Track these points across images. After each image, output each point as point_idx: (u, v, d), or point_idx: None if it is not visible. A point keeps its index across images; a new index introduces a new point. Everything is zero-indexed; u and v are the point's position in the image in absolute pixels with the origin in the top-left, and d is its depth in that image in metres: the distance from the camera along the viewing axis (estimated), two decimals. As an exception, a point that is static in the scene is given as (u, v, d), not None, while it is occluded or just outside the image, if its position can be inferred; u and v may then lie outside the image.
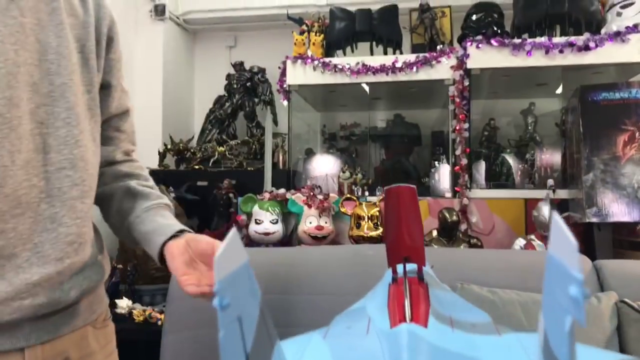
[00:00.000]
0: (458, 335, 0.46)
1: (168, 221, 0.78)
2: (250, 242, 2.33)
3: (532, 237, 2.09)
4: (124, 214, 0.81)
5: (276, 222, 2.30)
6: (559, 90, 2.42)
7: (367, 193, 2.46)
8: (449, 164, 2.42)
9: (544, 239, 2.05)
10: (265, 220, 2.27)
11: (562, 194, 2.20)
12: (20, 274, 0.59)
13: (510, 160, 2.47)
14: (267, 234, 2.26)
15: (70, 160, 0.65)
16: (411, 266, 0.55)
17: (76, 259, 0.65)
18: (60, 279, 0.63)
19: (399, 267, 0.56)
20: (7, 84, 0.58)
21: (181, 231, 0.76)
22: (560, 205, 2.12)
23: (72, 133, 0.65)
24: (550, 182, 2.31)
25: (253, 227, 2.28)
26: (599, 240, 2.15)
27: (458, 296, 0.57)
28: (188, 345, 1.48)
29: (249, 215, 2.33)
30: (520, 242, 2.11)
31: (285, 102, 2.55)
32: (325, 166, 2.74)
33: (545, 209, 2.04)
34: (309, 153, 2.83)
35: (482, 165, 2.55)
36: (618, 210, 1.80)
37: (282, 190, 2.39)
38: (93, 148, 0.71)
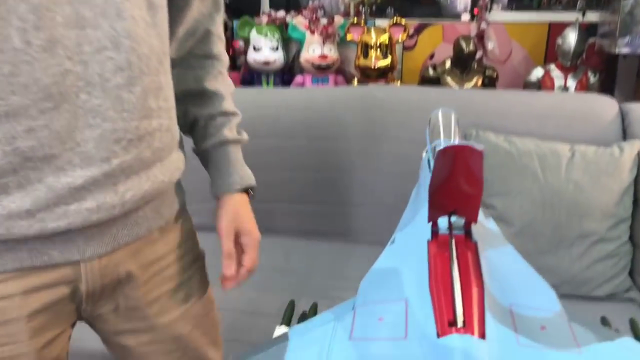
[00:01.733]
0: (526, 352, 0.39)
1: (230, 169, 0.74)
2: (249, 70, 2.19)
3: (552, 66, 1.95)
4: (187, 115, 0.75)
5: (276, 49, 2.13)
6: None
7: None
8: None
9: (565, 70, 1.90)
10: (264, 47, 2.10)
11: (592, 17, 1.99)
12: (62, 177, 0.50)
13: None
14: (267, 62, 2.11)
15: (112, 38, 0.51)
16: (456, 220, 0.45)
17: (127, 158, 0.54)
18: (111, 181, 0.54)
19: (441, 221, 0.46)
20: None
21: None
22: (588, 30, 1.92)
23: (112, 1, 0.51)
24: (581, 2, 2.07)
25: (252, 55, 2.12)
26: (622, 69, 2.01)
27: (512, 250, 0.48)
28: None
29: (247, 41, 2.15)
30: (538, 72, 1.97)
31: None
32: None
33: (571, 36, 1.86)
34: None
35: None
36: (654, 40, 1.64)
37: (281, 13, 2.16)
38: (147, 19, 0.55)
